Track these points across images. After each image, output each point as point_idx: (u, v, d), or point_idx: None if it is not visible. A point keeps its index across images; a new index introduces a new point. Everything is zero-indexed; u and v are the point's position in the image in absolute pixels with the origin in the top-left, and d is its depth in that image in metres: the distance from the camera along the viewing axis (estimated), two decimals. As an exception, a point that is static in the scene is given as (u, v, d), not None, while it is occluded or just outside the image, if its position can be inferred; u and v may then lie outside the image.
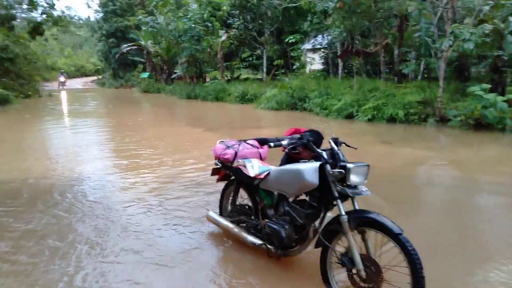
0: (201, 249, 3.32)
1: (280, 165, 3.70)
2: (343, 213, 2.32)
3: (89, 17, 42.54)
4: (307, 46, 25.50)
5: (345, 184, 2.34)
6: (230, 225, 3.26)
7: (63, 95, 26.03)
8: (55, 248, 3.37)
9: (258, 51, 23.69)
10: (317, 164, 2.42)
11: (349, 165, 2.29)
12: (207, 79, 26.05)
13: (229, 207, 3.50)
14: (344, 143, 2.57)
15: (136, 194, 4.86)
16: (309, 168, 2.42)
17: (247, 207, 3.40)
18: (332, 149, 2.44)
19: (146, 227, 3.81)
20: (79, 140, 9.10)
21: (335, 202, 2.41)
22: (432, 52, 11.65)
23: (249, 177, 2.94)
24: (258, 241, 2.95)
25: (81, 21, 40.70)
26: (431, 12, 11.38)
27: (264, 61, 22.30)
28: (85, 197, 4.79)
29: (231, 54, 25.12)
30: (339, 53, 17.28)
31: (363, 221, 2.29)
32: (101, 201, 4.62)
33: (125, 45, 30.72)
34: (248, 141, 3.38)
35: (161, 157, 6.98)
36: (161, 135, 9.62)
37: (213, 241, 3.49)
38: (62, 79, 32.95)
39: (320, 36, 24.95)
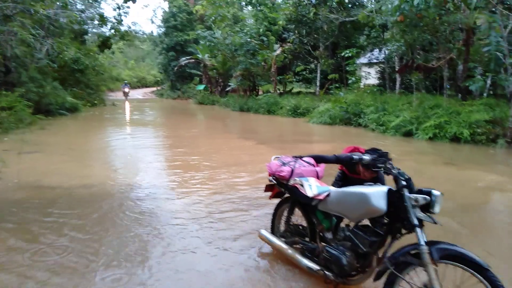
0: (247, 275, 3.13)
1: (334, 183, 3.56)
2: (423, 243, 2.11)
3: (152, 31, 45.17)
4: (363, 60, 24.91)
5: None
6: (284, 246, 3.13)
7: (126, 105, 27.61)
8: (89, 261, 3.32)
9: (312, 65, 23.60)
10: (385, 188, 2.25)
11: (435, 192, 2.12)
12: (260, 92, 26.38)
13: (283, 227, 3.39)
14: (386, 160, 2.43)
15: (186, 207, 4.87)
16: (376, 192, 2.26)
17: (301, 227, 3.27)
18: (401, 173, 2.26)
19: (192, 244, 3.72)
20: (137, 149, 9.50)
21: (403, 231, 2.23)
22: (502, 68, 10.79)
23: (306, 197, 2.82)
24: (315, 266, 2.79)
25: (144, 36, 43.36)
26: (501, 25, 10.58)
27: (318, 75, 22.12)
28: (136, 207, 4.87)
29: (284, 67, 25.26)
30: (397, 67, 16.65)
31: (446, 253, 2.07)
32: (151, 212, 4.67)
33: (184, 58, 32.16)
34: (304, 158, 3.27)
35: (213, 169, 7.05)
36: (214, 147, 9.78)
37: (262, 265, 3.32)
38: (126, 89, 34.55)
39: (376, 50, 24.34)
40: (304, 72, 22.53)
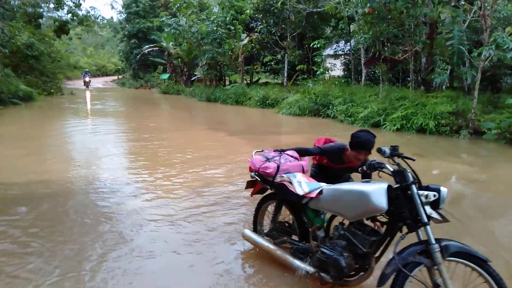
0: (229, 280, 2.88)
1: (312, 176, 3.42)
2: (433, 241, 2.03)
3: (112, 17, 43.09)
4: (329, 52, 25.13)
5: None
6: (272, 247, 2.94)
7: (85, 94, 26.19)
8: (44, 272, 2.95)
9: (279, 56, 23.40)
10: (384, 184, 2.13)
11: (443, 189, 2.09)
12: (227, 82, 26.02)
13: (268, 225, 3.21)
14: (402, 154, 2.29)
15: (154, 205, 4.54)
16: (376, 190, 2.12)
17: (287, 224, 3.11)
18: (400, 166, 2.16)
19: (164, 247, 3.40)
20: (99, 141, 8.94)
21: (402, 228, 2.14)
22: (465, 61, 11.21)
23: (296, 195, 2.64)
24: (309, 268, 2.60)
25: (104, 22, 41.33)
26: (461, 20, 10.94)
27: (285, 65, 22.05)
28: (98, 206, 4.48)
29: (251, 58, 25.00)
30: (363, 59, 16.89)
31: (454, 251, 2.03)
32: (115, 212, 4.30)
33: (147, 46, 31.03)
34: (287, 152, 3.10)
35: (184, 163, 6.75)
36: (183, 139, 9.43)
37: (244, 268, 3.09)
38: (87, 79, 32.28)
39: (342, 42, 24.66)
40: (271, 63, 22.32)
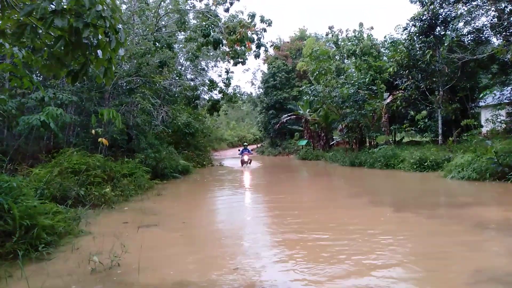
0: None
1: None
2: None
3: (251, 93, 47.30)
4: (489, 101, 21.61)
5: None
6: None
7: (231, 165, 26.78)
8: None
9: (423, 112, 20.39)
10: None
11: None
12: (367, 144, 24.49)
13: None
14: None
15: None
16: None
17: None
18: None
19: None
20: (255, 228, 7.53)
21: None
22: None
23: None
24: None
25: (245, 97, 45.45)
26: None
27: (439, 122, 19.47)
28: None
29: (393, 116, 23.17)
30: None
31: None
32: None
33: (285, 116, 32.25)
34: None
35: (363, 267, 4.83)
36: (347, 221, 7.53)
37: None
38: (245, 157, 23.33)
39: (507, 89, 21.06)
40: (425, 120, 19.96)
